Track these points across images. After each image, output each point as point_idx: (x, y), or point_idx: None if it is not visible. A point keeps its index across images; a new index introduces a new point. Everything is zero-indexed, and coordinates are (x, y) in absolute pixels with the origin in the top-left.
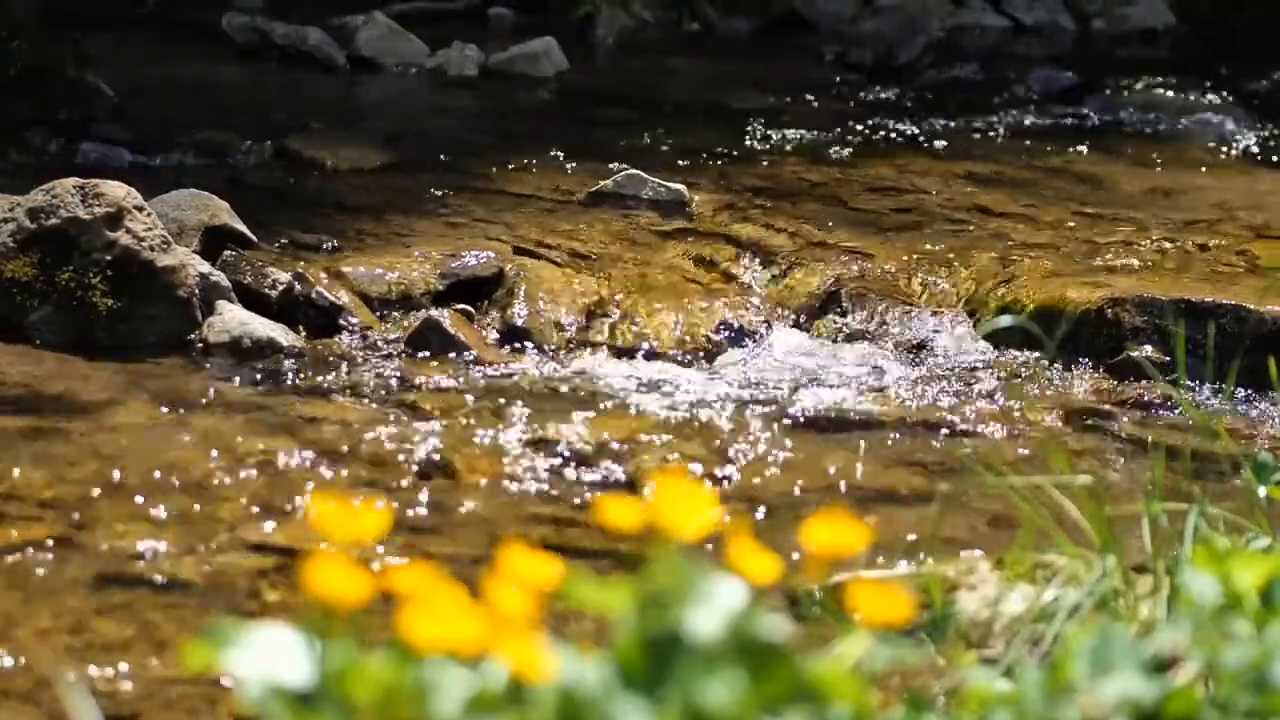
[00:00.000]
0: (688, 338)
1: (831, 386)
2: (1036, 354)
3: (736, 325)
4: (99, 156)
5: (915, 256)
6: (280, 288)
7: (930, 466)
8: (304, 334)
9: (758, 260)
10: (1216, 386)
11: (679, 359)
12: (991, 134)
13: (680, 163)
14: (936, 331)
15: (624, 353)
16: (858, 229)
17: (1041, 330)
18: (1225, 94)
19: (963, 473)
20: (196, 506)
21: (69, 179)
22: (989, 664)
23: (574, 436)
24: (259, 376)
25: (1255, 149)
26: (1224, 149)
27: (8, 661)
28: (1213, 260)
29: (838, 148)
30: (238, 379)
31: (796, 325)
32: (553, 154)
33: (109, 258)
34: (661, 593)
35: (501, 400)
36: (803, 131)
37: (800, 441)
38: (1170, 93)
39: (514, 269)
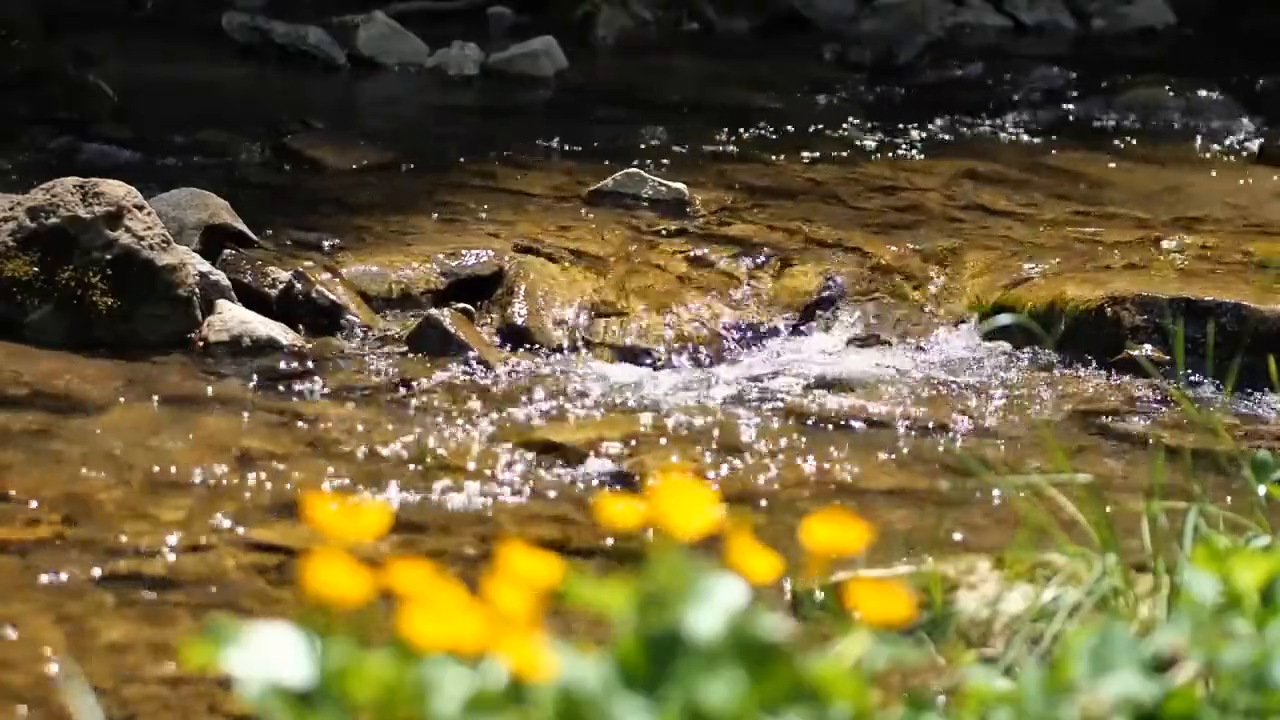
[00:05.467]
0: (687, 337)
1: (831, 385)
2: (1036, 352)
3: (736, 324)
4: (99, 156)
5: (915, 255)
6: (280, 287)
7: (930, 466)
8: (304, 333)
9: (757, 259)
10: (1216, 385)
11: (679, 358)
12: (991, 134)
13: (680, 162)
14: (936, 330)
15: (624, 351)
16: (858, 228)
17: (1041, 329)
18: (1225, 93)
19: (962, 472)
20: (196, 505)
21: (69, 178)
22: (989, 663)
23: (574, 435)
24: (259, 375)
25: (1255, 148)
26: (1224, 148)
27: (8, 661)
28: (1213, 259)
29: (837, 147)
30: (238, 378)
31: (796, 324)
32: (553, 153)
33: (109, 257)
34: (661, 592)
35: (501, 399)
36: (802, 131)
37: (800, 441)
38: (1170, 92)
39: (514, 268)
